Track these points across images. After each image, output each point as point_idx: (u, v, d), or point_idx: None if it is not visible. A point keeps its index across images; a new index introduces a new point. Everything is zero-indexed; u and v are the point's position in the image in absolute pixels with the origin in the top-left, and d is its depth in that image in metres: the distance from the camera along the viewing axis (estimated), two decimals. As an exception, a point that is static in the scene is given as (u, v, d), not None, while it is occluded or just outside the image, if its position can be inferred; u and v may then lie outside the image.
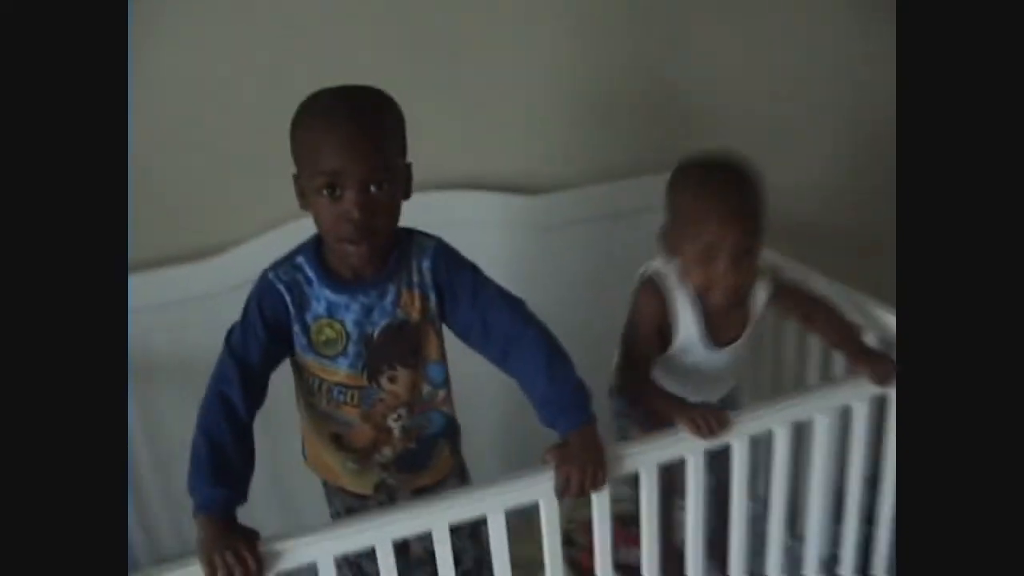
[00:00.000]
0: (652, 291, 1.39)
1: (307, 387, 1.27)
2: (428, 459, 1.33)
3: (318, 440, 1.31)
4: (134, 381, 1.66)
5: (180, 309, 1.67)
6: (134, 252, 1.57)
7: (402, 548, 1.29)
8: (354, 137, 1.11)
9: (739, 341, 1.43)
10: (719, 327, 1.40)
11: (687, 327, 1.38)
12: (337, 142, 1.10)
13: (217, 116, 1.64)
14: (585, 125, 1.87)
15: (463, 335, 1.26)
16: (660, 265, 1.40)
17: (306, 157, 1.14)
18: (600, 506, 1.20)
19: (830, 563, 1.50)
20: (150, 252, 1.66)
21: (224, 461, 1.11)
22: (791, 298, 1.48)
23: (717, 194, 1.31)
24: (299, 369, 1.26)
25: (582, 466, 1.12)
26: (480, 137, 1.72)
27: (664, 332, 1.40)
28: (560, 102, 1.83)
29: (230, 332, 1.20)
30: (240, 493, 1.10)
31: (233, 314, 1.42)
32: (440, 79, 1.49)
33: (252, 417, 1.16)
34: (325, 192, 1.11)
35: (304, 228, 1.45)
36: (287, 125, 1.19)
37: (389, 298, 1.21)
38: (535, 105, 1.82)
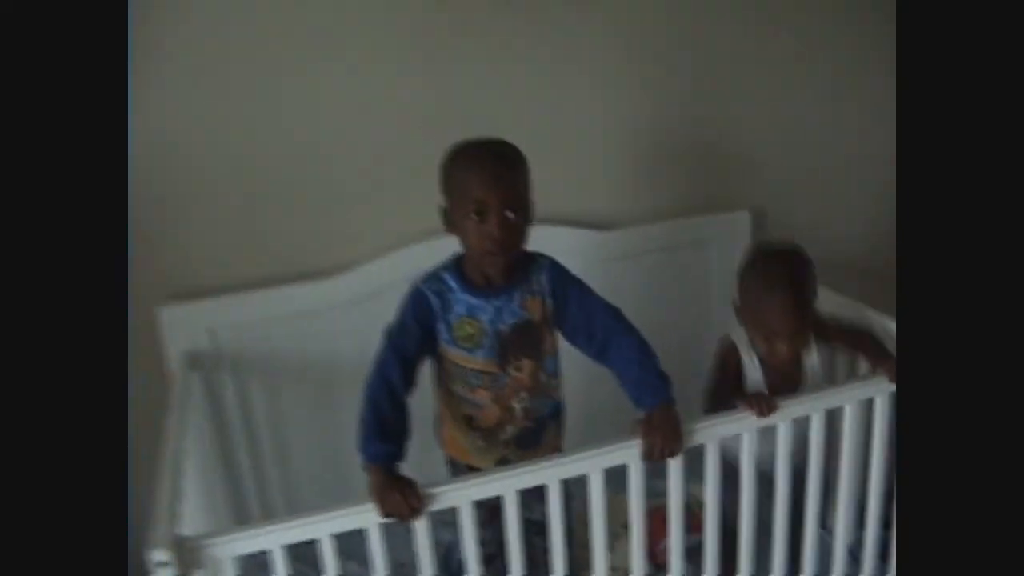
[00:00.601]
0: (732, 351, 1.71)
1: (447, 375, 1.55)
2: (541, 438, 1.60)
3: (453, 422, 1.59)
4: (259, 381, 1.97)
5: (304, 320, 1.96)
6: (268, 270, 1.92)
7: (491, 517, 1.53)
8: (497, 174, 1.41)
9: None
10: (776, 388, 1.66)
11: (753, 383, 1.69)
12: (485, 178, 1.41)
13: (339, 158, 1.94)
14: (645, 172, 2.16)
15: (570, 335, 1.56)
16: (735, 337, 1.71)
17: (458, 190, 1.44)
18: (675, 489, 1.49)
19: (856, 550, 1.74)
20: (280, 269, 1.95)
21: (387, 427, 1.39)
22: (835, 337, 1.76)
23: (778, 288, 1.61)
24: (441, 361, 1.55)
25: (664, 435, 1.41)
26: (559, 180, 1.95)
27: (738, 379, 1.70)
28: (625, 151, 2.13)
29: (388, 330, 1.49)
30: (400, 451, 1.38)
31: (347, 325, 1.81)
32: (530, 130, 1.67)
33: (408, 396, 1.45)
34: (474, 216, 1.41)
35: (408, 255, 1.83)
36: (396, 168, 1.48)
37: (516, 301, 1.50)
38: (605, 154, 2.11)
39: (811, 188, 1.66)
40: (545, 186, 1.55)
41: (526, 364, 1.54)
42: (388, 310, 1.53)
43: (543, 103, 2.04)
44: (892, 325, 1.75)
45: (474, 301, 1.50)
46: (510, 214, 1.42)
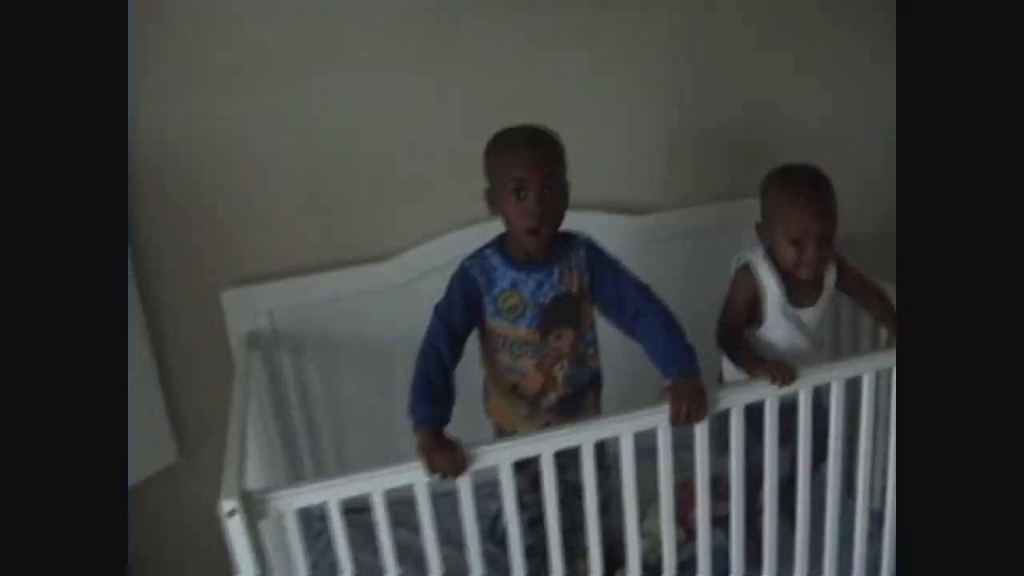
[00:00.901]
0: (746, 274, 1.78)
1: (493, 346, 1.68)
2: (581, 404, 1.72)
3: (499, 390, 1.72)
4: (313, 359, 2.11)
5: (355, 302, 2.09)
6: (322, 255, 2.05)
7: (534, 483, 1.62)
8: (535, 155, 1.54)
9: (814, 306, 1.79)
10: (799, 297, 1.77)
11: (773, 298, 1.75)
12: (524, 159, 1.53)
13: (388, 154, 2.07)
14: (677, 160, 2.26)
15: (603, 308, 1.68)
16: (751, 255, 1.78)
17: (499, 171, 1.57)
18: (701, 457, 1.59)
19: (879, 517, 1.83)
20: (333, 255, 2.08)
21: (436, 392, 1.52)
22: (851, 281, 1.85)
23: (806, 192, 1.69)
24: (486, 334, 1.67)
25: (690, 402, 1.50)
26: (595, 167, 2.06)
27: (754, 308, 1.78)
28: (658, 141, 2.22)
29: (437, 306, 1.62)
30: (447, 414, 1.50)
31: (397, 306, 1.95)
32: (568, 121, 1.73)
33: (455, 366, 1.57)
34: (514, 195, 1.54)
35: (452, 241, 1.97)
36: (441, 162, 1.70)
37: (555, 276, 1.62)
38: (639, 143, 2.21)
39: (835, 173, 1.75)
40: (582, 173, 1.66)
41: (566, 333, 1.66)
42: (435, 291, 1.65)
43: (580, 95, 2.14)
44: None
45: (516, 275, 1.62)
46: (547, 192, 1.54)
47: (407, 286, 2.07)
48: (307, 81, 1.97)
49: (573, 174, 1.61)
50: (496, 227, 1.65)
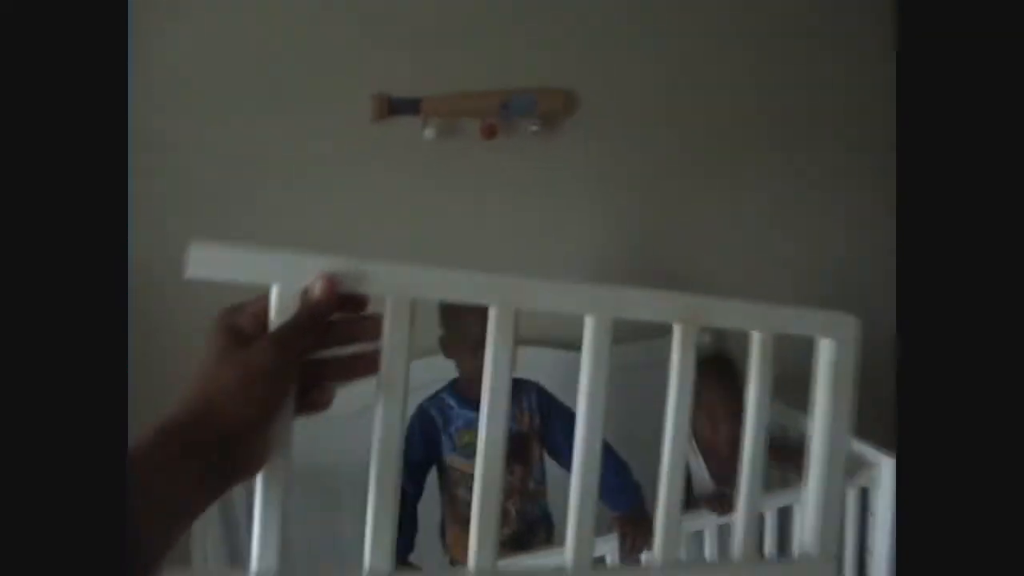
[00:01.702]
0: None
1: (451, 481, 1.78)
2: (533, 540, 1.82)
3: (456, 525, 1.81)
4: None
5: (310, 427, 2.04)
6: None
7: None
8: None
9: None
10: (722, 478, 1.88)
11: (698, 474, 1.91)
12: (479, 314, 1.56)
13: None
14: None
15: (554, 452, 1.78)
16: None
17: (455, 323, 1.67)
18: None
19: None
20: None
21: (401, 524, 1.79)
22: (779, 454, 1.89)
23: (715, 375, 1.80)
24: (444, 470, 1.78)
25: (635, 533, 1.62)
26: None
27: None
28: (590, 275, 2.18)
29: None
30: (411, 543, 1.62)
31: (352, 433, 1.85)
32: (507, 256, 1.96)
33: (418, 500, 1.69)
34: (469, 351, 1.62)
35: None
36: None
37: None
38: (571, 276, 1.98)
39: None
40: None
41: (517, 470, 1.77)
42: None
43: (520, 232, 2.26)
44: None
45: (472, 415, 1.73)
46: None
47: (361, 413, 2.03)
48: (269, 212, 2.03)
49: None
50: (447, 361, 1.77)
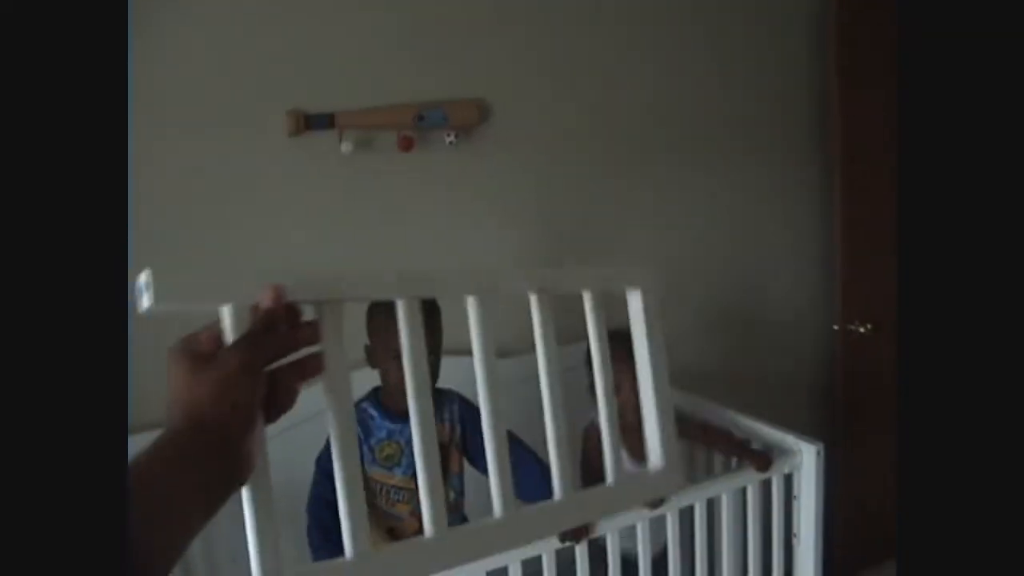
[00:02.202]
0: (593, 435, 1.91)
1: (371, 493, 1.76)
2: None
3: (376, 535, 1.77)
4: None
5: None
6: None
7: None
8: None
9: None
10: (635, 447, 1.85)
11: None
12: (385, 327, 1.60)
13: None
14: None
15: (473, 459, 1.80)
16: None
17: (381, 337, 1.69)
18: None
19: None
20: None
21: (332, 538, 1.62)
22: (691, 432, 2.04)
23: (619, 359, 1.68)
24: (365, 482, 1.75)
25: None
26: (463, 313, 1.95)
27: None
28: None
29: (319, 458, 1.72)
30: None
31: (274, 454, 1.94)
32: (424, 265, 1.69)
33: None
34: (395, 361, 1.61)
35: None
36: None
37: None
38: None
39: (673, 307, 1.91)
40: (456, 317, 1.68)
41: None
42: (311, 439, 1.64)
43: (441, 239, 2.27)
44: (747, 422, 2.08)
45: (392, 426, 1.74)
46: (431, 357, 1.59)
47: (285, 432, 2.01)
48: (186, 228, 2.01)
49: (447, 319, 1.72)
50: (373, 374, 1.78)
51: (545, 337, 0.90)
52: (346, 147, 2.07)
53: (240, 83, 2.03)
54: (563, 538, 1.65)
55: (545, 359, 0.91)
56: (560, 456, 0.91)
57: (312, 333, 0.72)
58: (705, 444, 2.15)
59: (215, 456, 0.62)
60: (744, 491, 1.90)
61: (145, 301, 0.64)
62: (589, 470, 1.92)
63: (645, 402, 0.96)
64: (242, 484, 0.66)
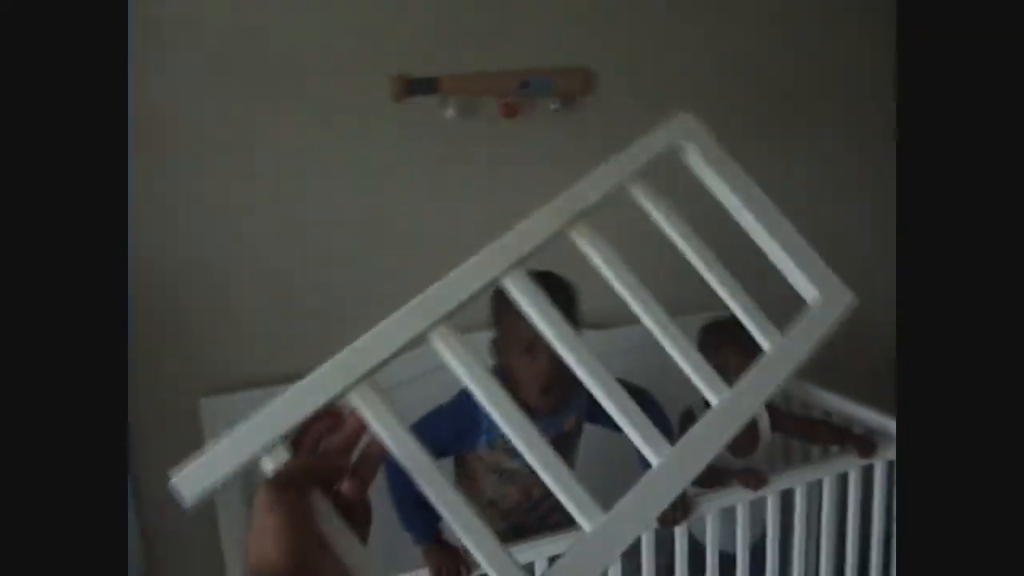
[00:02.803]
0: (689, 419, 1.86)
1: (474, 470, 1.69)
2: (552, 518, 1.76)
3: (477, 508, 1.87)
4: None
5: None
6: (298, 366, 2.06)
7: None
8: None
9: (752, 455, 1.93)
10: (736, 446, 1.88)
11: None
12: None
13: (352, 269, 2.12)
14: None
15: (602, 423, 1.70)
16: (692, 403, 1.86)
17: (509, 325, 1.55)
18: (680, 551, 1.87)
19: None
20: (309, 365, 2.03)
21: (423, 503, 1.73)
22: (786, 421, 2.02)
23: (733, 339, 1.63)
24: (467, 460, 1.70)
25: (675, 504, 1.59)
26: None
27: None
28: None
29: (419, 425, 1.66)
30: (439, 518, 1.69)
31: None
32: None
33: None
34: (525, 354, 1.54)
35: (416, 356, 1.91)
36: (426, 277, 1.59)
37: (558, 424, 1.66)
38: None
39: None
40: None
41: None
42: (411, 403, 1.76)
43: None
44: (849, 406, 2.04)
45: None
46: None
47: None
48: (289, 194, 2.04)
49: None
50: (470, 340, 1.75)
51: (612, 269, 0.78)
52: (450, 112, 2.06)
53: (344, 46, 2.02)
54: (662, 520, 1.62)
55: (633, 295, 0.79)
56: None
57: (356, 423, 0.68)
58: (802, 438, 2.12)
59: None
60: (845, 477, 1.86)
61: (184, 501, 0.63)
62: None
63: (766, 247, 0.82)
64: None
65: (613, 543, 0.70)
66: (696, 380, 0.77)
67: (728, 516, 1.78)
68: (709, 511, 1.73)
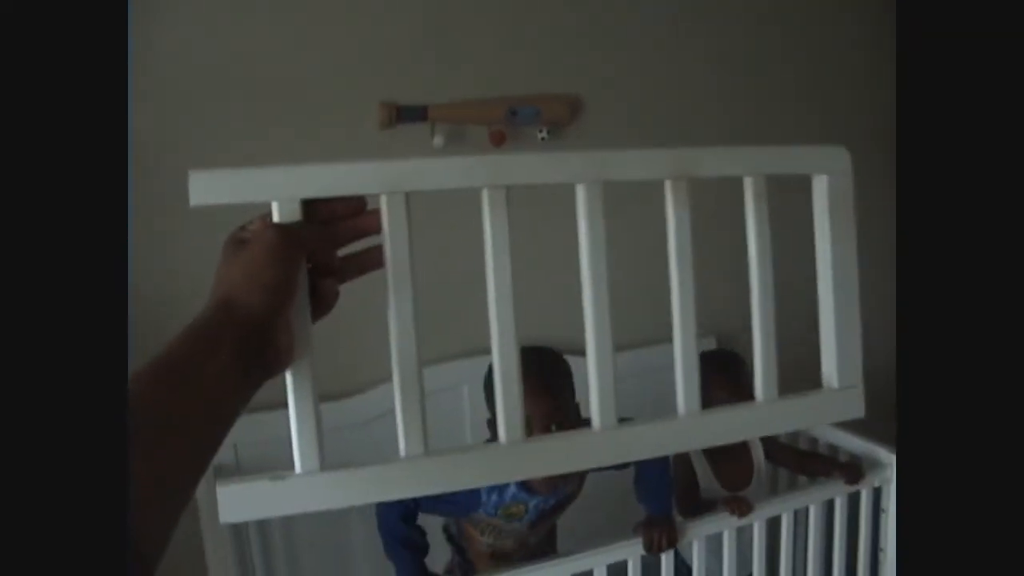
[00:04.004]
0: (683, 459, 1.92)
1: (474, 526, 1.71)
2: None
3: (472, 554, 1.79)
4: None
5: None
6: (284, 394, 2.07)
7: None
8: (538, 386, 1.36)
9: (749, 487, 1.95)
10: (729, 478, 1.92)
11: (704, 476, 1.92)
12: (528, 393, 1.55)
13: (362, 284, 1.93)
14: (623, 303, 1.99)
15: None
16: None
17: None
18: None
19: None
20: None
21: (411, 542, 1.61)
22: (781, 452, 2.05)
23: (717, 384, 1.64)
24: (464, 524, 1.74)
25: (661, 532, 1.63)
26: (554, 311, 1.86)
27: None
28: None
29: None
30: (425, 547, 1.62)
31: (357, 443, 1.63)
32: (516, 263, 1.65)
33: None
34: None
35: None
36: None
37: (559, 494, 1.67)
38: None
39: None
40: (546, 317, 1.67)
41: (554, 519, 1.77)
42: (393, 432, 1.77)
43: (532, 236, 1.94)
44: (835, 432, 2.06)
45: (523, 495, 1.64)
46: (555, 427, 1.47)
47: (366, 424, 2.07)
48: None
49: (534, 315, 1.64)
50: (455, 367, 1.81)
51: (679, 238, 0.77)
52: (438, 140, 2.07)
53: (332, 74, 2.03)
54: (649, 547, 1.64)
55: (678, 263, 0.77)
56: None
57: (372, 223, 0.69)
58: (797, 469, 2.13)
59: (242, 339, 0.60)
60: (831, 503, 1.87)
61: (191, 198, 0.65)
62: (683, 486, 1.92)
63: (823, 309, 0.80)
64: (272, 374, 0.64)
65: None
66: (679, 387, 0.78)
67: (718, 545, 1.78)
68: (696, 537, 1.73)
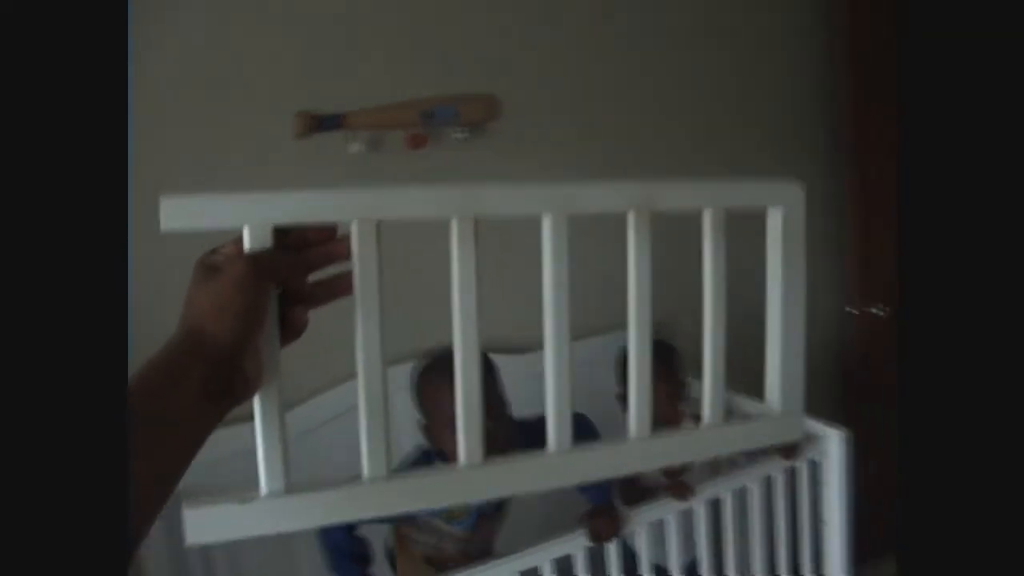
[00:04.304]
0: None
1: (416, 529, 1.72)
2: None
3: (407, 559, 1.78)
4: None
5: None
6: (235, 411, 2.02)
7: None
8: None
9: (690, 470, 1.92)
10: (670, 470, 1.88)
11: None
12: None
13: None
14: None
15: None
16: None
17: (437, 408, 1.57)
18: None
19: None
20: (243, 410, 2.00)
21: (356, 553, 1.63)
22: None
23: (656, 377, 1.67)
24: (399, 528, 1.75)
25: (605, 522, 1.65)
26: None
27: None
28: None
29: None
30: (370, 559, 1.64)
31: (294, 456, 1.92)
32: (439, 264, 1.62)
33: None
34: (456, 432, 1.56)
35: (354, 389, 1.89)
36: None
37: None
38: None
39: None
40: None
41: (496, 523, 1.77)
42: (332, 441, 1.79)
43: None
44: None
45: None
46: (490, 424, 1.53)
47: (306, 435, 2.02)
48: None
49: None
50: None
51: (639, 266, 0.78)
52: (354, 147, 2.05)
53: (244, 84, 2.00)
54: (594, 538, 1.65)
55: (637, 295, 0.79)
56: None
57: (342, 250, 0.69)
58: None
59: (210, 369, 0.60)
60: (770, 480, 1.89)
61: (162, 223, 0.65)
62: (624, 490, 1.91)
63: (771, 335, 0.84)
64: (240, 402, 0.64)
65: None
66: (632, 411, 0.80)
67: (663, 531, 1.78)
68: (639, 525, 1.73)
